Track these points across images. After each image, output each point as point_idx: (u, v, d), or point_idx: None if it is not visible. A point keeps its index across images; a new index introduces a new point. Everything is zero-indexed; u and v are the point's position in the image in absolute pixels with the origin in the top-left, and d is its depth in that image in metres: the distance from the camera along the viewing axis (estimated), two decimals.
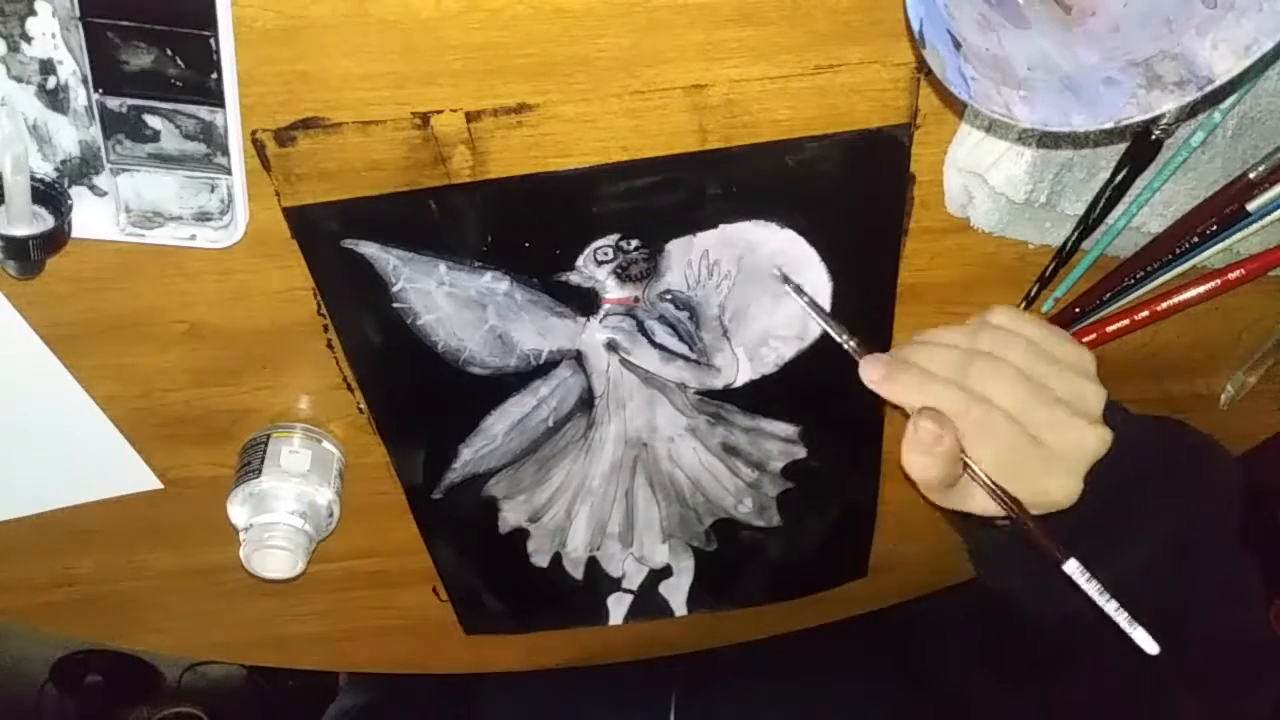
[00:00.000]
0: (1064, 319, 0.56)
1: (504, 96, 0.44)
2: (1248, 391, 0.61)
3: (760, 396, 0.58)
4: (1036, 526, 0.43)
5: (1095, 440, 0.44)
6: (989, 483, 0.43)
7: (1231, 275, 0.52)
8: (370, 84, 0.43)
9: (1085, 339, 0.55)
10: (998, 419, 0.43)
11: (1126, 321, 0.54)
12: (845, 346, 0.49)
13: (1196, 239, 0.50)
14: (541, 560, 0.67)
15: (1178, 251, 0.51)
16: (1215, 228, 0.50)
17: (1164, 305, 0.54)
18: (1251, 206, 0.48)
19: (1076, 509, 0.46)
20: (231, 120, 0.43)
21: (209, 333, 0.52)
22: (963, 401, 0.43)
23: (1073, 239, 0.50)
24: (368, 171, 0.46)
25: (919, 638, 0.84)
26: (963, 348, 0.45)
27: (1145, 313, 0.54)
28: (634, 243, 0.51)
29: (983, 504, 0.46)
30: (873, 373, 0.46)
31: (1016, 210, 0.49)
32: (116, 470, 0.59)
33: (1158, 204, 0.49)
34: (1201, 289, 0.53)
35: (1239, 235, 0.49)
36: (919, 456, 0.44)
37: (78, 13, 0.40)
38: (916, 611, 0.74)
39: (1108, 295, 0.54)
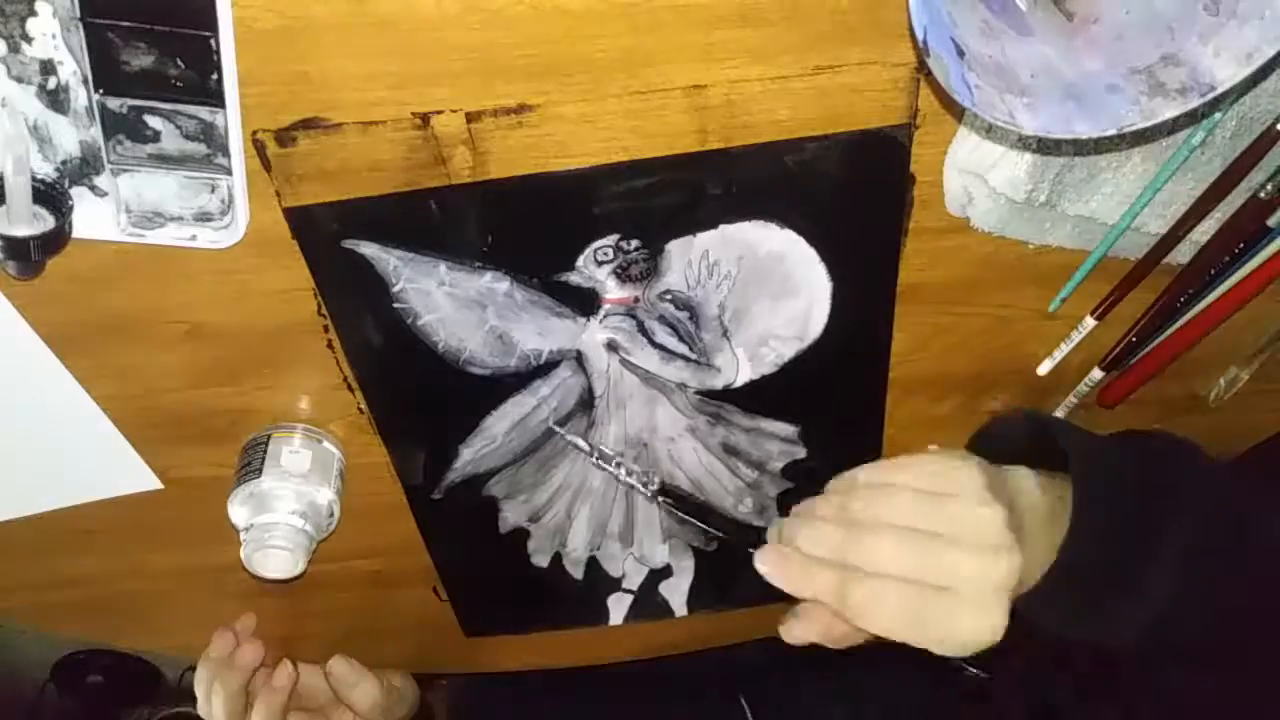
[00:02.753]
0: (1121, 349, 0.56)
1: (504, 97, 0.44)
2: (1239, 387, 0.61)
3: (760, 396, 0.58)
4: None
5: (998, 570, 0.41)
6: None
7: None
8: (370, 84, 0.43)
9: (1148, 369, 0.56)
10: (886, 590, 0.41)
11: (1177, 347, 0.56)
12: (724, 538, 0.48)
13: (1228, 258, 0.51)
14: (542, 560, 0.67)
15: (1214, 273, 0.52)
16: (1242, 246, 0.50)
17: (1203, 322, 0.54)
18: (1271, 222, 0.49)
19: (1072, 558, 0.44)
20: (232, 121, 0.43)
21: (209, 333, 0.52)
22: (845, 587, 0.42)
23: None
24: (368, 172, 0.46)
25: None
26: (840, 521, 0.44)
27: (1192, 331, 0.55)
28: (634, 243, 0.51)
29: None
30: (764, 566, 0.44)
31: (1016, 210, 0.49)
32: (116, 470, 0.59)
33: (1158, 204, 0.49)
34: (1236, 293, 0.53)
35: (1268, 251, 0.50)
36: (829, 644, 0.44)
37: (78, 13, 0.40)
38: None
39: (1159, 322, 0.55)
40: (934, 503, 0.42)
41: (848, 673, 0.75)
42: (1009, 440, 0.50)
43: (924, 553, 0.41)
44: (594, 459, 0.50)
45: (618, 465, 0.50)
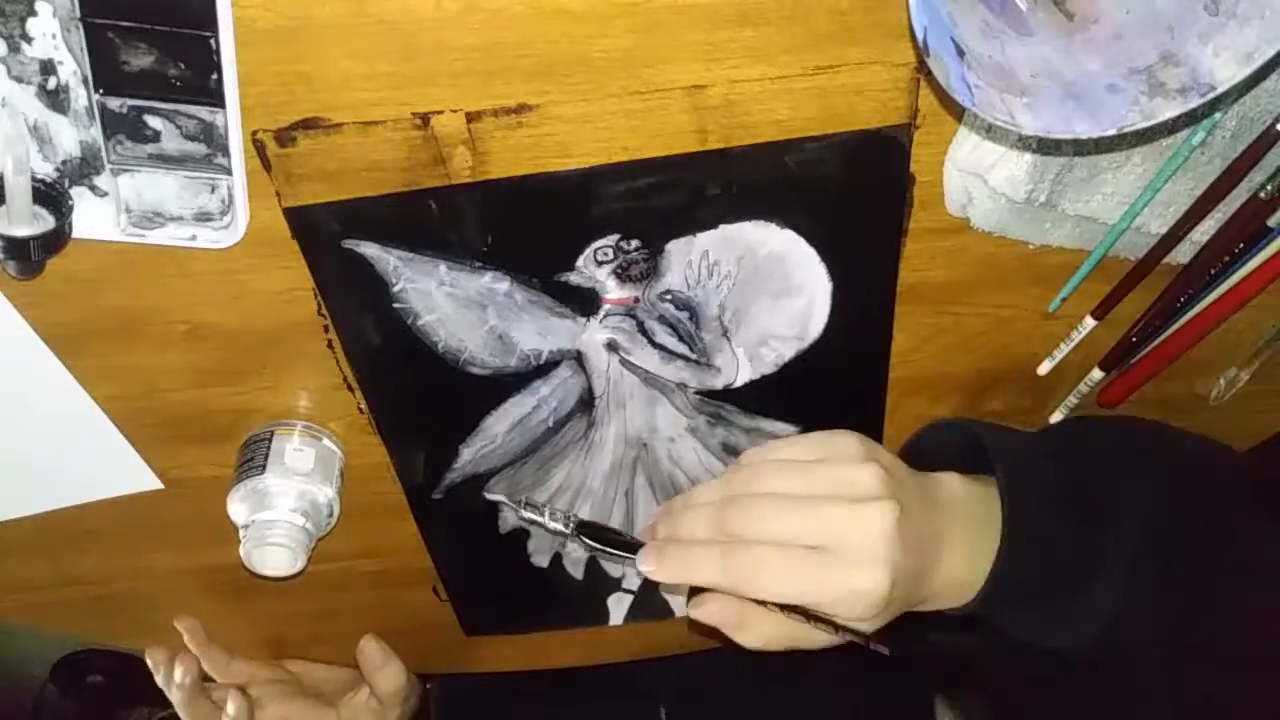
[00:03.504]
0: (1121, 349, 0.56)
1: (504, 97, 0.44)
2: (1240, 387, 0.61)
3: (760, 397, 0.58)
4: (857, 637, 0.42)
5: (875, 517, 0.41)
6: (797, 610, 0.42)
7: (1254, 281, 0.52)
8: (370, 84, 0.43)
9: (1149, 369, 0.56)
10: (764, 553, 0.41)
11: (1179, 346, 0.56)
12: (625, 558, 0.48)
13: (1228, 258, 0.51)
14: (541, 560, 0.67)
15: (1214, 273, 0.51)
16: (1242, 246, 0.50)
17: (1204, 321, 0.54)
18: (1272, 222, 0.49)
19: (1007, 571, 0.44)
20: (232, 121, 0.43)
21: (209, 333, 0.52)
22: (723, 557, 0.41)
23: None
24: (368, 172, 0.46)
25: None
26: (716, 500, 0.44)
27: (1192, 331, 0.55)
28: (634, 243, 0.51)
29: (831, 640, 0.44)
30: (645, 565, 0.44)
31: (1016, 210, 0.49)
32: (117, 470, 0.59)
33: (1158, 204, 0.49)
34: (1236, 294, 0.53)
35: (1268, 251, 0.50)
36: (744, 639, 0.43)
37: (78, 13, 0.40)
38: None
39: (1159, 322, 0.54)
40: (808, 468, 0.43)
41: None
42: (940, 448, 0.51)
43: (799, 513, 0.41)
44: (521, 510, 0.51)
45: (542, 512, 0.51)
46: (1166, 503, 0.48)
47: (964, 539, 0.45)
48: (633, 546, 0.47)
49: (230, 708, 0.65)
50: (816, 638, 0.44)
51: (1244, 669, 0.48)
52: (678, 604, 0.70)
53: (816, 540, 0.41)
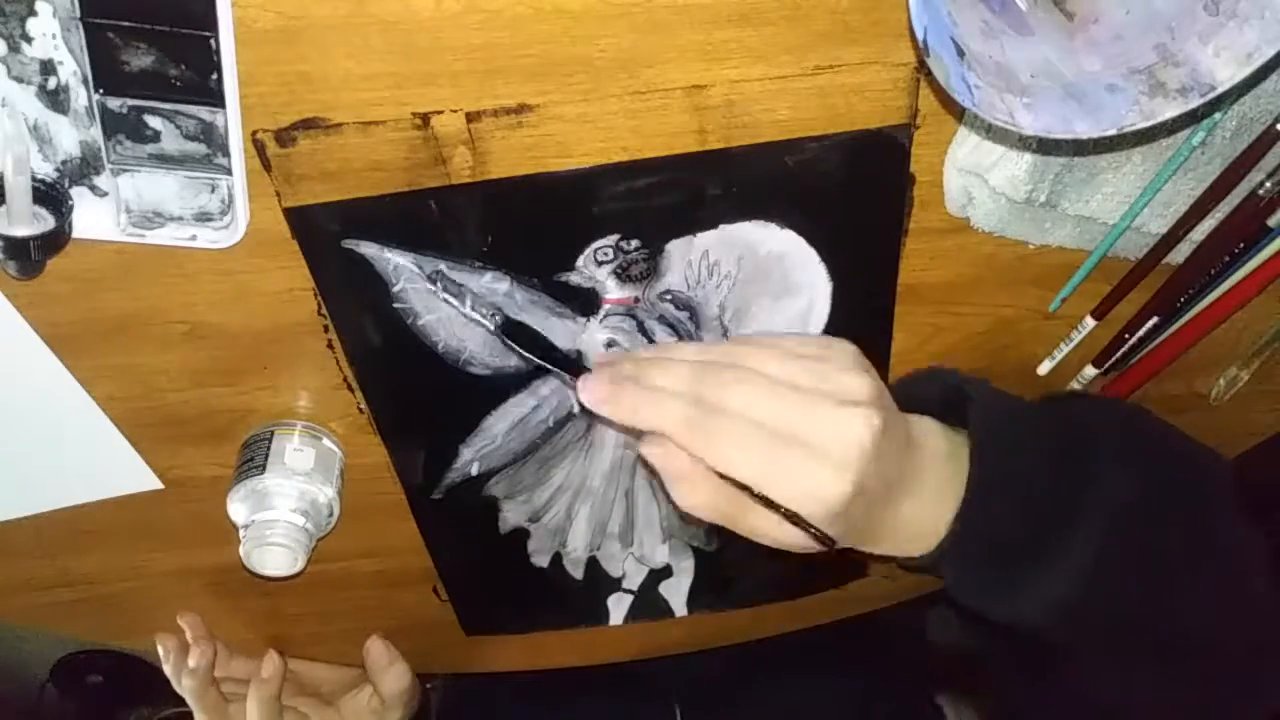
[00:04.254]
0: (1115, 347, 0.56)
1: (504, 97, 0.44)
2: (1240, 387, 0.61)
3: None
4: (799, 521, 0.39)
5: (857, 422, 0.38)
6: (748, 491, 0.39)
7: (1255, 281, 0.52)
8: (370, 84, 0.43)
9: (1147, 370, 0.56)
10: (734, 423, 0.38)
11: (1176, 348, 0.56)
12: (553, 371, 0.43)
13: (1227, 258, 0.51)
14: (542, 560, 0.67)
15: (1213, 274, 0.51)
16: (1241, 246, 0.50)
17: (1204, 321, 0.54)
18: (1272, 222, 0.49)
19: (966, 526, 0.42)
20: (232, 121, 0.43)
21: (209, 333, 0.52)
22: (687, 409, 0.39)
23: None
24: (368, 172, 0.46)
25: (917, 638, 0.84)
26: (699, 360, 0.41)
27: (1191, 332, 0.55)
28: (634, 243, 0.51)
29: (777, 530, 0.41)
30: (592, 394, 0.41)
31: (1016, 210, 0.49)
32: (117, 470, 0.59)
33: (1158, 204, 0.49)
34: (1235, 294, 0.53)
35: (1267, 251, 0.50)
36: (677, 493, 0.40)
37: (78, 13, 0.40)
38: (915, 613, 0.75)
39: (1155, 322, 0.54)
40: (804, 361, 0.40)
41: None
42: (924, 398, 0.48)
43: (781, 397, 0.39)
44: (439, 292, 0.47)
45: (464, 300, 0.47)
46: (1141, 490, 0.46)
47: (932, 487, 0.43)
48: (566, 365, 0.43)
49: (253, 706, 0.65)
50: (749, 524, 0.41)
51: (1210, 672, 0.47)
52: (678, 604, 0.70)
53: (792, 430, 0.38)
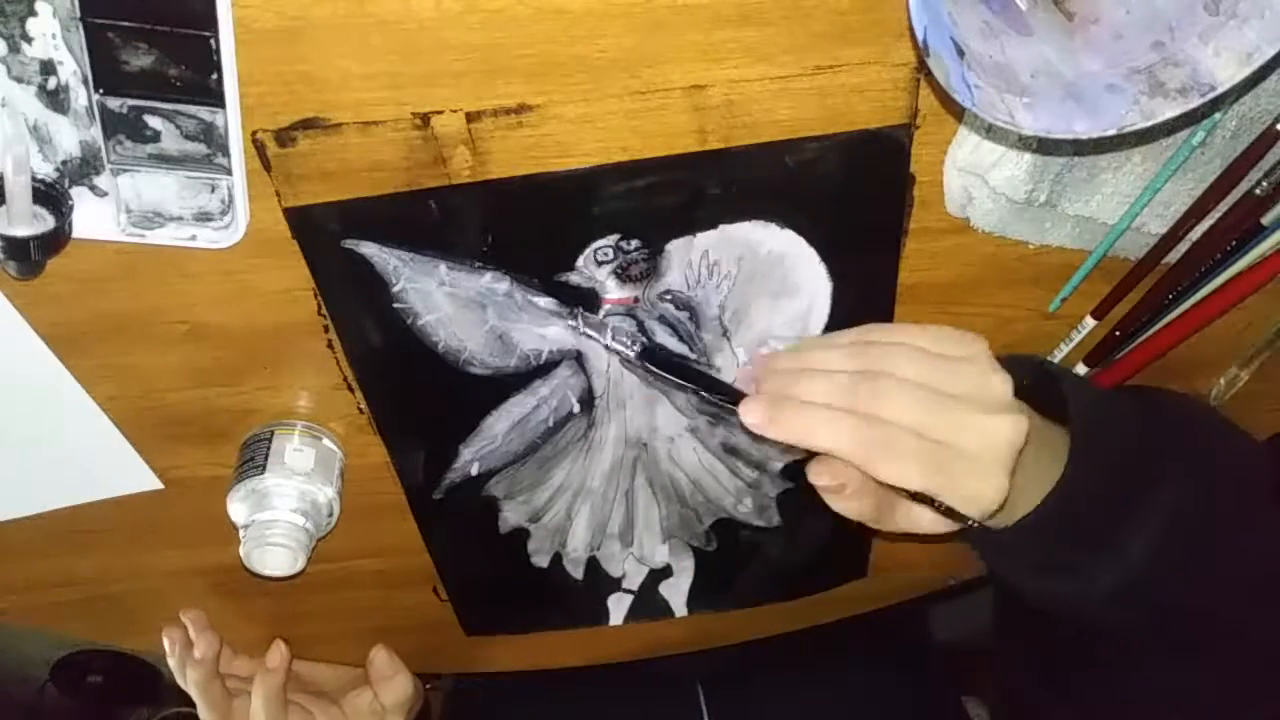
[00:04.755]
0: (1107, 344, 0.56)
1: (504, 97, 0.44)
2: (1240, 387, 0.61)
3: None
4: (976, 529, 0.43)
5: (1009, 429, 0.41)
6: (918, 497, 0.42)
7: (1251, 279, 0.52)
8: (370, 84, 0.43)
9: (1135, 363, 0.56)
10: (899, 435, 0.40)
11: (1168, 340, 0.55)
12: (707, 397, 0.45)
13: (1219, 255, 0.51)
14: (542, 560, 0.67)
15: (1204, 270, 0.51)
16: (1235, 243, 0.50)
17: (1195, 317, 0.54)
18: (1266, 220, 0.49)
19: (1058, 507, 0.44)
20: (232, 121, 0.43)
21: (209, 333, 0.52)
22: (857, 429, 0.40)
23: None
24: (368, 172, 0.46)
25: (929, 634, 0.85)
26: (847, 370, 0.42)
27: (1181, 328, 0.55)
28: (634, 243, 0.51)
29: (932, 522, 0.45)
30: (753, 416, 0.42)
31: (1016, 210, 0.49)
32: (117, 470, 0.59)
33: (1158, 204, 0.49)
34: (1228, 292, 0.53)
35: (1260, 249, 0.50)
36: (839, 504, 0.43)
37: (78, 13, 0.40)
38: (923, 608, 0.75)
39: (1146, 318, 0.54)
40: (947, 364, 0.42)
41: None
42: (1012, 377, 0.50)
43: (935, 405, 0.41)
44: (581, 327, 0.48)
45: (605, 332, 0.48)
46: (1206, 482, 0.48)
47: (1021, 480, 0.45)
48: (718, 388, 0.45)
49: (257, 699, 0.65)
50: (902, 520, 0.45)
51: (1257, 668, 0.49)
52: (678, 604, 0.70)
53: (950, 439, 0.40)
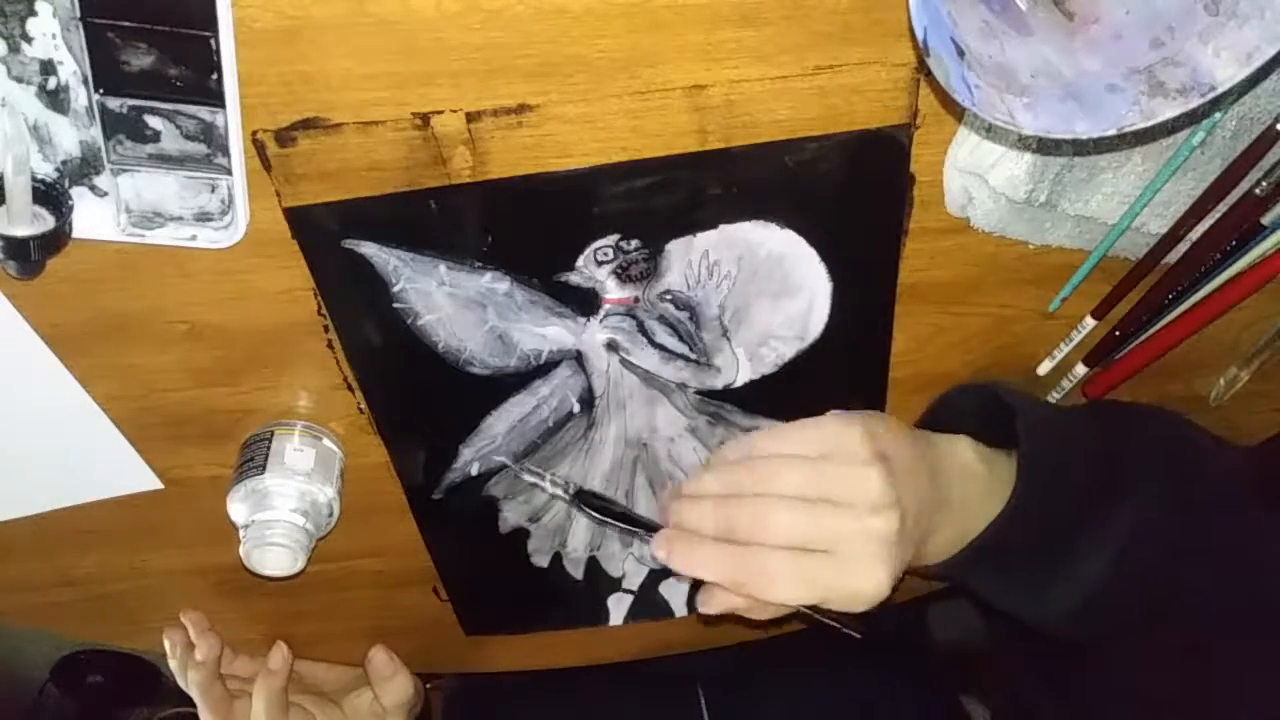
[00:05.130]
0: (1106, 344, 0.56)
1: (504, 97, 0.44)
2: (1240, 387, 0.61)
3: (760, 397, 0.58)
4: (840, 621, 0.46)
5: (882, 525, 0.42)
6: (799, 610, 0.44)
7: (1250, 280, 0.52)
8: (370, 84, 0.43)
9: (1135, 364, 0.57)
10: (776, 562, 0.42)
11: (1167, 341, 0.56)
12: (636, 533, 0.50)
13: (1219, 255, 0.51)
14: (542, 560, 0.67)
15: (1204, 270, 0.51)
16: (1235, 243, 0.50)
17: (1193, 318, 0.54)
18: (1266, 220, 0.49)
19: (996, 538, 0.47)
20: (232, 121, 0.43)
21: (209, 333, 0.52)
22: (738, 562, 0.43)
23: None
24: (368, 172, 0.46)
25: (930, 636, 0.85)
26: (732, 494, 0.45)
27: (1181, 328, 0.55)
28: (634, 243, 0.51)
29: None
30: (658, 552, 0.45)
31: (1016, 210, 0.49)
32: (117, 470, 0.59)
33: (1158, 204, 0.49)
34: (1228, 292, 0.53)
35: (1260, 249, 0.50)
36: (747, 615, 0.45)
37: (78, 13, 0.40)
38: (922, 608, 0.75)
39: (1145, 318, 0.55)
40: (816, 468, 0.44)
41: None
42: (963, 411, 0.53)
43: (807, 520, 0.42)
44: (521, 473, 0.53)
45: (544, 477, 0.52)
46: (1166, 501, 0.49)
47: (963, 501, 0.47)
48: (635, 522, 0.49)
49: (259, 700, 0.65)
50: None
51: (1247, 672, 0.49)
52: (678, 604, 0.70)
53: (830, 547, 0.42)
